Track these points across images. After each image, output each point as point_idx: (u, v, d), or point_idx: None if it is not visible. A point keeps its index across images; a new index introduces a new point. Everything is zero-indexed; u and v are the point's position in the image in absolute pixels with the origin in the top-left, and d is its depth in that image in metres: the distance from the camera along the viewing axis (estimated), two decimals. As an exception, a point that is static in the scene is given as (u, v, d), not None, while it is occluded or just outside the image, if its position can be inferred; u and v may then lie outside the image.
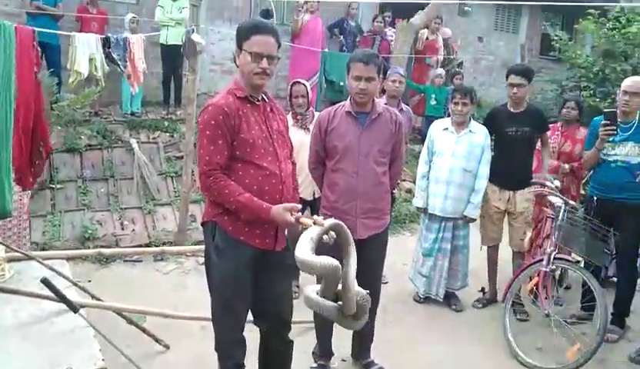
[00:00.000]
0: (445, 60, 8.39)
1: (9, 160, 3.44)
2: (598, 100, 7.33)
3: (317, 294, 2.11)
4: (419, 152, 6.80)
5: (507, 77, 4.04)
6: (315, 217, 2.20)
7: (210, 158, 2.22)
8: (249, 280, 2.36)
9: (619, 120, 3.67)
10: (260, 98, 2.38)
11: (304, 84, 4.02)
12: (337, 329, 3.20)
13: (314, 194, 3.98)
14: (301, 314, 3.61)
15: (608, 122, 3.59)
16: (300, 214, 2.25)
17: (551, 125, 4.66)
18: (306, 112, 4.02)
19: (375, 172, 2.91)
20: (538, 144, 4.26)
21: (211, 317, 2.44)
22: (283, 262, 2.47)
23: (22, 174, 3.69)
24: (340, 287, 2.09)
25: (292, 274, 2.52)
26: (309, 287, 2.18)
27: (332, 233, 2.19)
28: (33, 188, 4.01)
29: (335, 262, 2.00)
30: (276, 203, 2.27)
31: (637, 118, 3.67)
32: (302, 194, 3.91)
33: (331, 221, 2.22)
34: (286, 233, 2.43)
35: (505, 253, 4.31)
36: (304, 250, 2.00)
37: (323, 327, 3.15)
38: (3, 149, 3.39)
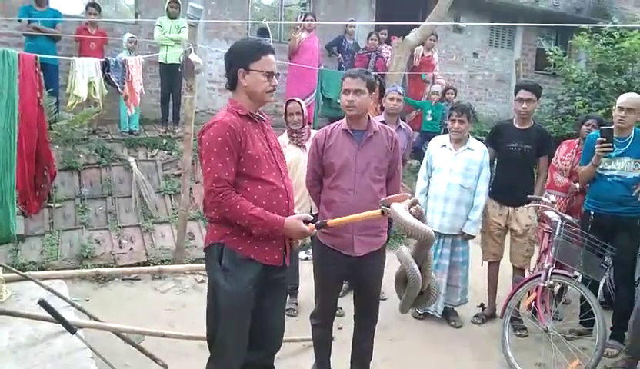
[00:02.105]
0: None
1: (14, 185, 3.47)
2: (594, 113, 7.39)
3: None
4: (416, 167, 6.87)
5: (516, 92, 4.08)
6: (394, 195, 2.46)
7: (219, 175, 2.19)
8: (254, 301, 2.31)
9: (615, 135, 3.71)
10: (257, 116, 2.40)
11: (298, 102, 4.04)
12: (335, 347, 3.19)
13: (311, 210, 3.98)
14: (300, 331, 3.62)
15: (604, 139, 3.62)
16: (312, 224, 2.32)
17: (568, 142, 4.68)
18: (301, 129, 4.03)
19: (371, 189, 2.91)
20: (553, 161, 4.28)
21: (215, 343, 2.33)
22: (283, 283, 2.47)
23: (27, 199, 3.70)
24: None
25: (286, 297, 2.54)
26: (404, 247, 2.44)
27: (419, 206, 2.41)
28: (37, 213, 3.98)
29: (432, 232, 2.27)
30: (283, 217, 2.29)
31: (632, 133, 3.70)
32: (300, 212, 3.92)
33: (414, 197, 2.46)
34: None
35: (507, 268, 4.30)
36: (406, 214, 2.27)
37: (322, 345, 3.14)
38: (7, 174, 3.43)
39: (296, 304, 4.23)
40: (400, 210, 2.28)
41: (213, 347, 2.36)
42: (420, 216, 2.37)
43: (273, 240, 2.30)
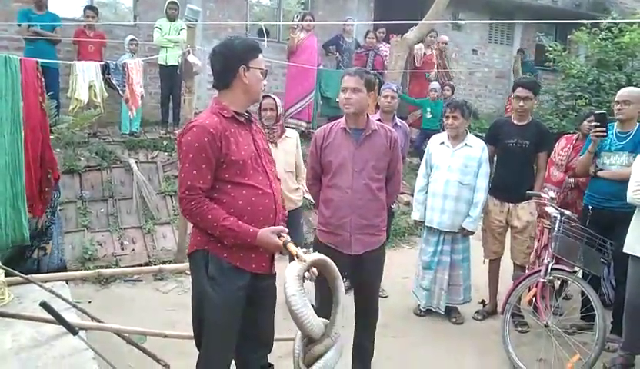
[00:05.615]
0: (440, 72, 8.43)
1: (23, 188, 3.50)
2: (593, 109, 7.39)
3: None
4: (416, 165, 6.88)
5: (514, 89, 4.09)
6: (299, 250, 2.11)
7: (192, 183, 2.11)
8: (242, 309, 2.25)
9: (618, 129, 3.74)
10: (246, 117, 2.32)
11: (273, 98, 4.00)
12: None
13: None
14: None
15: (598, 124, 3.65)
16: (289, 237, 2.18)
17: (567, 136, 4.69)
18: (274, 126, 3.98)
19: (369, 188, 2.92)
20: (552, 155, 4.28)
21: (201, 351, 2.29)
22: (271, 288, 2.40)
23: (33, 201, 3.73)
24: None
25: (276, 299, 2.50)
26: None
27: (314, 270, 2.12)
28: (42, 216, 3.99)
29: (321, 331, 2.10)
30: (270, 222, 2.23)
31: (636, 128, 3.71)
32: None
33: (314, 256, 2.16)
34: None
35: (508, 265, 4.31)
36: (294, 287, 1.96)
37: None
38: (17, 178, 3.46)
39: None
40: (290, 278, 1.97)
41: (199, 353, 2.30)
42: (325, 273, 2.13)
43: (253, 248, 2.20)
